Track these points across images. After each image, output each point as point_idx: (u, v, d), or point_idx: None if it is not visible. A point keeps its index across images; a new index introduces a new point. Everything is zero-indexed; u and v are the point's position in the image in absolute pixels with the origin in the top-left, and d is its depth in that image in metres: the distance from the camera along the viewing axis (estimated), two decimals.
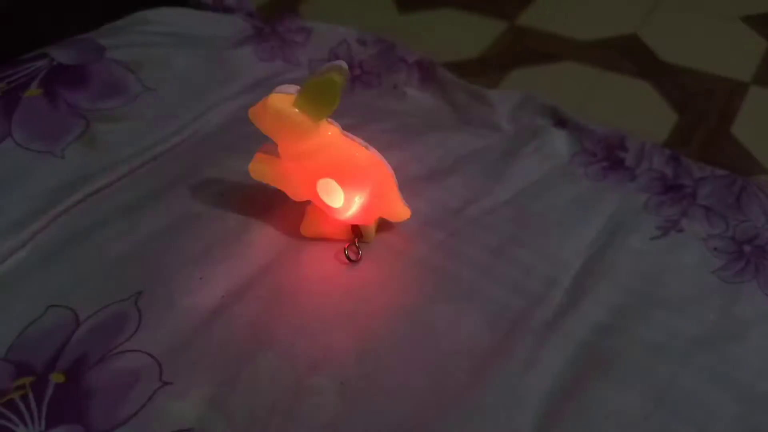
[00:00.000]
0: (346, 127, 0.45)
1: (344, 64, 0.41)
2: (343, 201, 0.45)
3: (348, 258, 0.47)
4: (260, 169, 0.46)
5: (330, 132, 0.44)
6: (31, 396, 0.39)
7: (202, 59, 0.65)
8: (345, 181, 0.45)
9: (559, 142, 0.59)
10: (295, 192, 0.46)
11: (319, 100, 0.41)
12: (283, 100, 0.42)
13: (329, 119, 0.44)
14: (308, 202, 0.47)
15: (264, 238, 0.48)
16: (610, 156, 0.57)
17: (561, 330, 0.44)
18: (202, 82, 0.63)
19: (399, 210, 0.47)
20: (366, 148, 0.45)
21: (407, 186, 0.47)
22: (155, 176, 0.54)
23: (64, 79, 0.58)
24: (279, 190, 0.47)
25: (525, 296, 0.46)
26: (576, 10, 1.37)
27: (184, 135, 0.58)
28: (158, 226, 0.49)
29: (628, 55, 1.23)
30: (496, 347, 0.43)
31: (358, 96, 0.65)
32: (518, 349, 0.43)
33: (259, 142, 0.46)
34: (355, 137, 0.45)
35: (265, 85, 0.63)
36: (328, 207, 0.46)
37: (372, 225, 0.48)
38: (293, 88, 0.43)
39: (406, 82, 0.66)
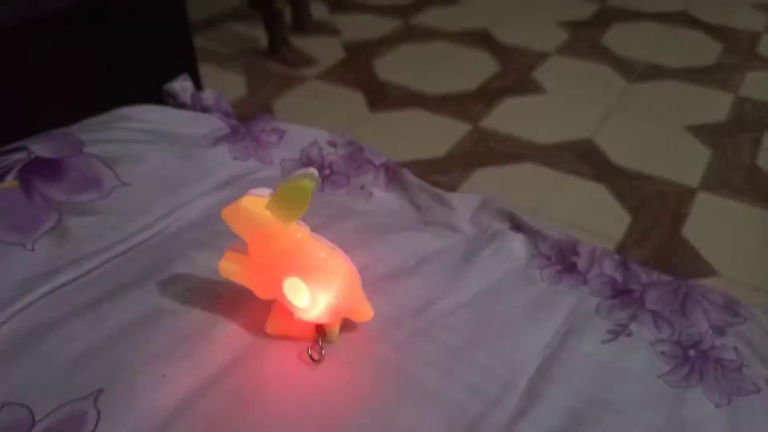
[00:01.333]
0: (315, 227, 0.47)
1: (315, 172, 0.43)
2: (308, 301, 0.47)
3: (311, 358, 0.48)
4: (229, 267, 0.48)
5: (299, 234, 0.46)
6: None
7: (178, 156, 0.67)
8: (311, 282, 0.46)
9: (517, 245, 0.62)
10: (262, 291, 0.48)
11: (290, 204, 0.44)
12: (255, 202, 0.45)
13: (299, 220, 0.46)
14: (274, 300, 0.48)
15: (229, 336, 0.49)
16: (563, 260, 0.60)
17: None
18: (177, 178, 0.65)
19: (363, 310, 0.49)
20: (333, 249, 0.47)
21: (371, 286, 0.49)
22: (124, 271, 0.54)
23: (41, 172, 0.60)
24: (246, 288, 0.48)
25: (483, 398, 0.47)
26: (535, 115, 1.47)
27: (155, 230, 0.59)
28: (123, 322, 0.49)
29: (585, 159, 1.31)
30: None
31: (327, 195, 0.67)
32: None
33: (230, 239, 0.47)
34: (322, 238, 0.47)
35: (239, 183, 0.65)
36: (294, 306, 0.48)
37: (336, 325, 0.49)
38: (266, 191, 0.45)
39: (373, 183, 0.69)
